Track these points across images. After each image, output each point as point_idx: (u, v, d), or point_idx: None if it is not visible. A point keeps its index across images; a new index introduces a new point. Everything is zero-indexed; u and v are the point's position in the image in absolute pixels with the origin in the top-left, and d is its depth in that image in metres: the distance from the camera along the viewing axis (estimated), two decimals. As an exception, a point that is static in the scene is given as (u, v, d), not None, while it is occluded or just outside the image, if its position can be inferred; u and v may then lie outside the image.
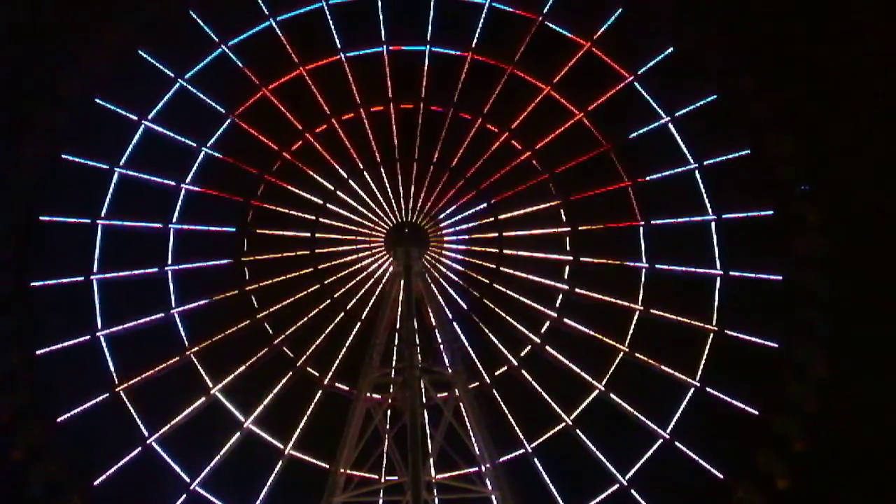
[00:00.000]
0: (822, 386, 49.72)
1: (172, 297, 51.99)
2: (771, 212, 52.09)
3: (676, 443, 50.77)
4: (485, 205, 53.74)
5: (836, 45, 54.89)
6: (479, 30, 53.81)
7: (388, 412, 46.27)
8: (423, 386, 44.97)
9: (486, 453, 43.93)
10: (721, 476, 50.10)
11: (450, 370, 46.67)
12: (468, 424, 44.85)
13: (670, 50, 53.15)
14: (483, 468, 44.02)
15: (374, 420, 44.31)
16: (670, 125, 53.02)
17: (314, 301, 52.74)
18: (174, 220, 52.44)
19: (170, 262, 52.20)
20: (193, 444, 51.00)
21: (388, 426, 45.22)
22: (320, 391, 51.71)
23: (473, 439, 44.47)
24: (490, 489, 43.23)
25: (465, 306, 52.82)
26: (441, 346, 48.43)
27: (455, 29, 54.00)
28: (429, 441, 46.57)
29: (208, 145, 52.98)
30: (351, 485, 43.15)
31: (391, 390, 45.30)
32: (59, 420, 49.62)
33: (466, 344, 52.11)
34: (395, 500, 43.49)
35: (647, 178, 53.21)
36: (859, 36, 54.50)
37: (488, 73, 53.96)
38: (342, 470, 43.47)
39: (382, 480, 46.01)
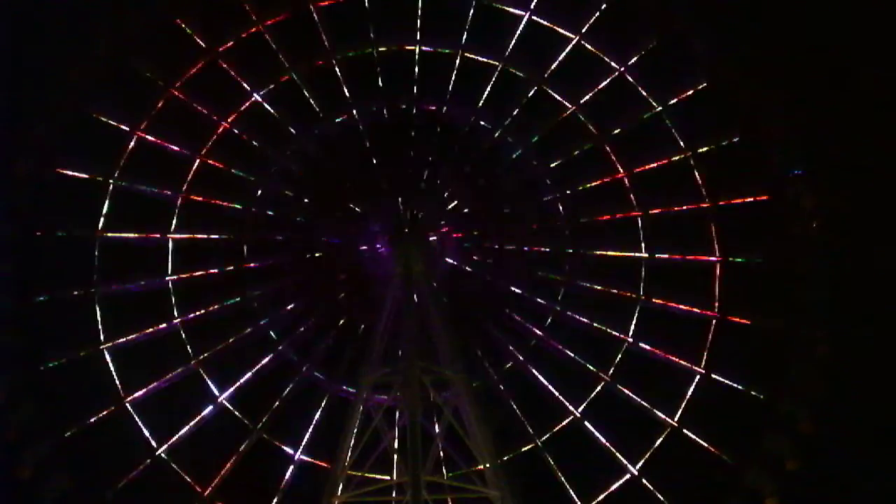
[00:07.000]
0: (826, 366, 49.57)
1: (175, 307, 52.11)
2: (766, 197, 51.92)
3: (685, 430, 50.78)
4: (483, 202, 53.68)
5: (826, 28, 54.87)
6: (467, 27, 53.66)
7: (396, 413, 46.35)
8: (423, 385, 44.87)
9: (486, 452, 43.77)
10: (730, 461, 50.08)
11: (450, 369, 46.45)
12: (469, 424, 44.65)
13: (658, 39, 52.87)
14: (484, 467, 43.86)
15: (375, 420, 44.21)
16: (662, 114, 52.86)
17: (317, 305, 52.83)
18: (172, 229, 52.43)
19: (170, 271, 52.24)
20: (203, 453, 51.08)
21: (388, 426, 45.16)
22: (327, 395, 51.92)
23: (474, 439, 44.29)
24: (491, 489, 43.02)
25: (466, 304, 52.79)
26: (441, 345, 48.13)
27: (444, 27, 53.90)
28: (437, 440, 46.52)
29: (203, 153, 52.93)
30: (351, 485, 43.02)
31: (391, 390, 45.15)
32: (66, 435, 49.73)
33: (470, 341, 52.25)
34: (395, 499, 43.48)
35: (642, 169, 53.08)
36: (849, 18, 54.42)
37: (479, 69, 53.88)
38: (342, 470, 43.39)
39: (384, 480, 45.87)
